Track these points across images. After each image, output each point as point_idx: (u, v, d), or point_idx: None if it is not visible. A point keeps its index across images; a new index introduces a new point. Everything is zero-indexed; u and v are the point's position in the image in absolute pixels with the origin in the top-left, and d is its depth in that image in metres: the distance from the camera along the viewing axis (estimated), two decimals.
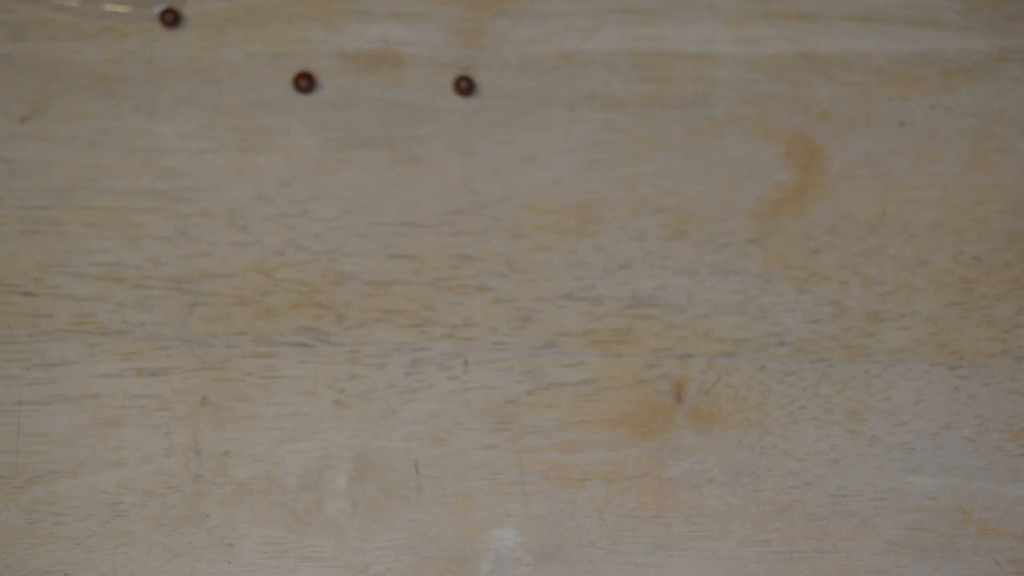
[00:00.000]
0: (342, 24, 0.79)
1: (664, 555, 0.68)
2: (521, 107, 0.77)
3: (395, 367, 0.71)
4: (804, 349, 0.71)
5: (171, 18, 0.78)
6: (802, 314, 0.72)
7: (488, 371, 0.71)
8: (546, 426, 0.70)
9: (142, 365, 0.71)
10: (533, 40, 0.79)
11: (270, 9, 0.79)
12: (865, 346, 0.71)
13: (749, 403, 0.70)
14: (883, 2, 0.79)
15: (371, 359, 0.71)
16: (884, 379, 0.71)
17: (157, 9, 0.79)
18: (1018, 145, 0.76)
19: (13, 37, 0.78)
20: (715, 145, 0.76)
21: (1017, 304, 0.73)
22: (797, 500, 0.68)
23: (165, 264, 0.73)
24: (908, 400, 0.70)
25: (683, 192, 0.75)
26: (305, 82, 0.77)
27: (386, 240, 0.74)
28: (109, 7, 0.79)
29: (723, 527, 0.68)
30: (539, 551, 0.68)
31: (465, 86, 0.77)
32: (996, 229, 0.74)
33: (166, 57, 0.78)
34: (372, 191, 0.75)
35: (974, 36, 0.78)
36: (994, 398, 0.71)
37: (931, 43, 0.78)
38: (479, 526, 0.68)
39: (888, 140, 0.76)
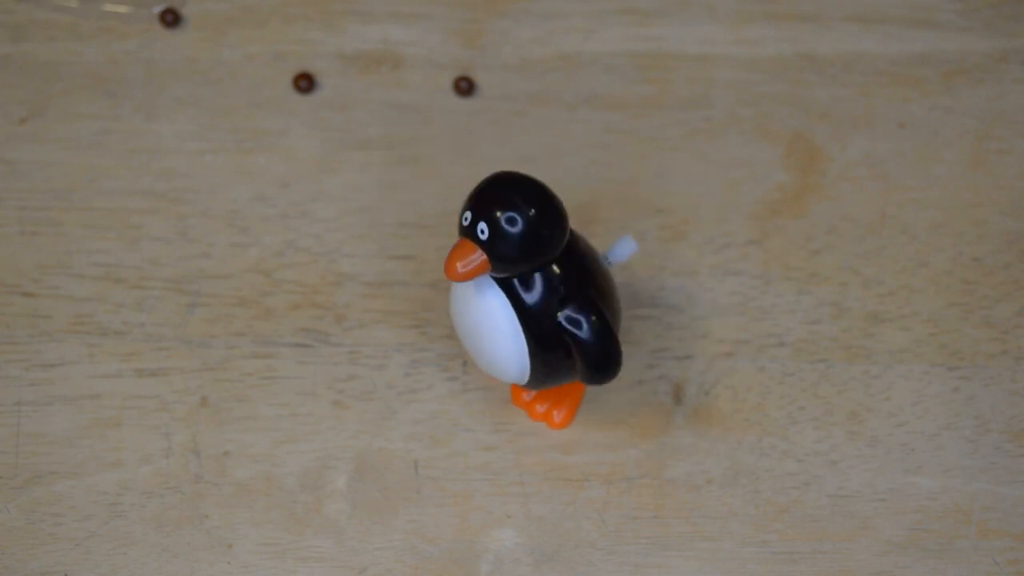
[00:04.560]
0: (342, 24, 0.79)
1: (663, 556, 0.68)
2: (521, 107, 0.77)
3: (394, 368, 0.71)
4: (804, 350, 0.71)
5: (171, 18, 0.78)
6: (802, 315, 0.72)
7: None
8: (545, 427, 0.70)
9: (141, 366, 0.71)
10: (533, 41, 0.79)
11: (270, 9, 0.79)
12: (865, 347, 0.71)
13: (749, 404, 0.70)
14: (883, 3, 0.79)
15: (370, 360, 0.71)
16: (884, 380, 0.71)
17: (157, 9, 0.79)
18: (1018, 146, 0.76)
19: (13, 37, 0.78)
20: (715, 146, 0.76)
21: (1017, 305, 0.73)
22: (797, 501, 0.68)
23: (164, 265, 0.73)
24: (908, 401, 0.70)
25: (683, 192, 0.75)
26: (305, 82, 0.77)
27: (385, 241, 0.74)
28: (109, 7, 0.79)
29: (722, 528, 0.68)
30: (538, 552, 0.68)
31: (465, 86, 0.77)
32: (996, 230, 0.74)
33: (166, 57, 0.78)
34: (372, 191, 0.75)
35: (974, 37, 0.79)
36: (994, 399, 0.71)
37: (931, 44, 0.78)
38: (479, 527, 0.68)
39: (888, 141, 0.76)
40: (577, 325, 0.64)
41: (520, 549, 0.68)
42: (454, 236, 0.74)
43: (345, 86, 0.78)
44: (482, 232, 0.61)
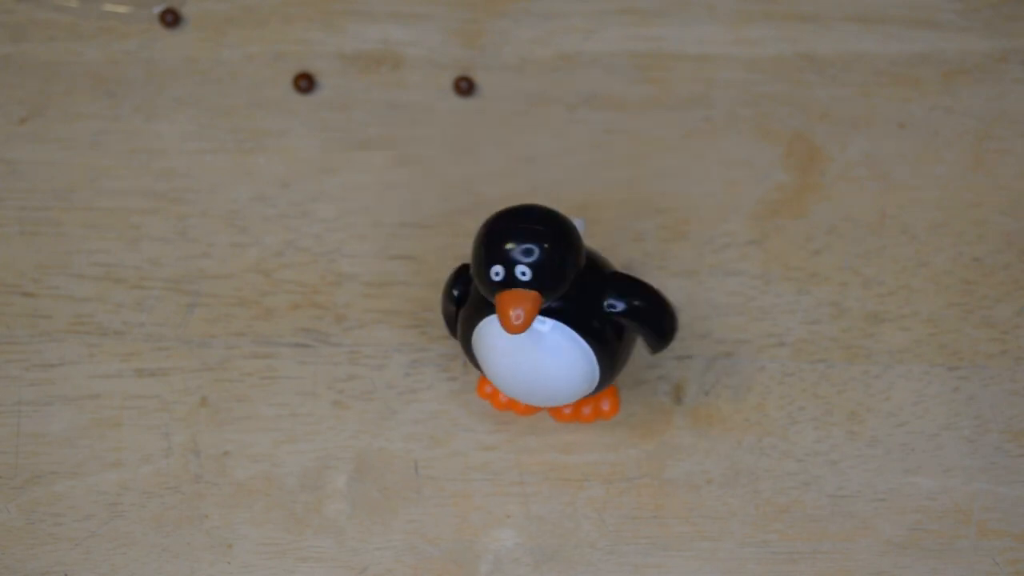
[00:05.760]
0: (342, 24, 0.79)
1: (663, 556, 0.68)
2: (521, 107, 0.77)
3: (394, 368, 0.71)
4: (804, 350, 0.71)
5: (171, 18, 0.78)
6: (802, 315, 0.72)
7: None
8: (545, 427, 0.70)
9: (141, 366, 0.71)
10: (533, 41, 0.79)
11: (270, 9, 0.79)
12: (865, 347, 0.71)
13: (748, 404, 0.70)
14: (883, 3, 0.79)
15: (370, 360, 0.71)
16: (884, 380, 0.71)
17: (157, 9, 0.79)
18: (1018, 146, 0.76)
19: (13, 37, 0.78)
20: (715, 146, 0.76)
21: (1016, 305, 0.73)
22: (796, 501, 0.68)
23: (164, 265, 0.73)
24: (907, 401, 0.70)
25: (683, 193, 0.75)
26: (305, 82, 0.77)
27: (386, 241, 0.74)
28: (109, 7, 0.79)
29: (722, 528, 0.68)
30: (538, 552, 0.68)
31: (465, 86, 0.77)
32: (996, 230, 0.74)
33: (166, 57, 0.78)
34: (372, 191, 0.75)
35: (974, 37, 0.79)
36: (993, 399, 0.71)
37: (931, 44, 0.78)
38: (478, 527, 0.68)
39: (888, 141, 0.76)
40: (631, 301, 0.64)
41: (520, 549, 0.68)
42: (454, 236, 0.74)
43: (345, 86, 0.78)
44: (523, 274, 0.60)
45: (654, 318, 0.64)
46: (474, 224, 0.74)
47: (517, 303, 0.61)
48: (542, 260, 0.61)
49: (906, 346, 0.72)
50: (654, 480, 0.69)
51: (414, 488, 0.69)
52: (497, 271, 0.61)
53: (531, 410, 0.69)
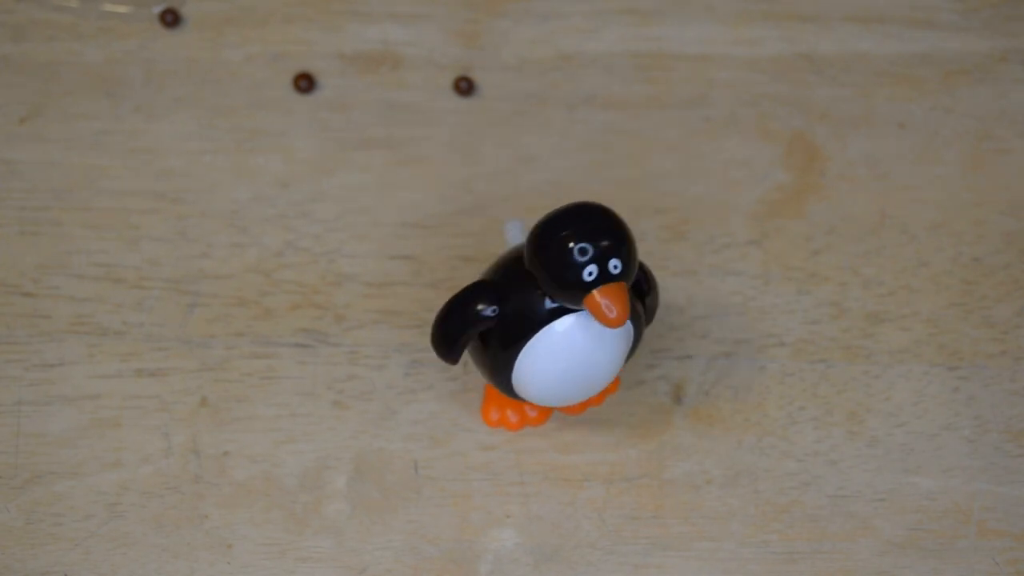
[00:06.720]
0: (342, 24, 0.79)
1: (663, 556, 0.68)
2: (521, 107, 0.77)
3: (394, 368, 0.71)
4: (803, 350, 0.71)
5: (171, 18, 0.78)
6: (802, 315, 0.72)
7: None
8: (545, 427, 0.70)
9: (141, 366, 0.71)
10: (533, 41, 0.79)
11: (270, 9, 0.79)
12: (864, 347, 0.71)
13: (748, 404, 0.70)
14: (883, 3, 0.79)
15: (370, 360, 0.71)
16: (883, 380, 0.71)
17: (157, 9, 0.79)
18: (1018, 146, 0.76)
19: (13, 37, 0.78)
20: (715, 146, 0.76)
21: (1016, 305, 0.73)
22: (796, 501, 0.68)
23: (164, 265, 0.73)
24: (907, 401, 0.70)
25: (683, 193, 0.75)
26: (305, 82, 0.77)
27: (385, 241, 0.74)
28: (109, 7, 0.79)
29: (722, 528, 0.68)
30: (538, 552, 0.68)
31: (465, 86, 0.77)
32: (995, 230, 0.74)
33: (166, 57, 0.78)
34: (372, 191, 0.75)
35: (974, 37, 0.79)
36: (993, 399, 0.71)
37: (931, 44, 0.78)
38: (478, 527, 0.68)
39: (888, 141, 0.76)
40: (650, 281, 0.66)
41: (520, 549, 0.68)
42: (454, 236, 0.74)
43: (345, 86, 0.78)
44: (615, 268, 0.61)
45: (656, 295, 0.66)
46: (474, 224, 0.74)
47: (616, 296, 0.61)
48: (628, 251, 0.61)
49: (906, 346, 0.72)
50: (654, 480, 0.69)
51: (414, 488, 0.69)
52: (592, 271, 0.61)
53: (543, 417, 0.69)
